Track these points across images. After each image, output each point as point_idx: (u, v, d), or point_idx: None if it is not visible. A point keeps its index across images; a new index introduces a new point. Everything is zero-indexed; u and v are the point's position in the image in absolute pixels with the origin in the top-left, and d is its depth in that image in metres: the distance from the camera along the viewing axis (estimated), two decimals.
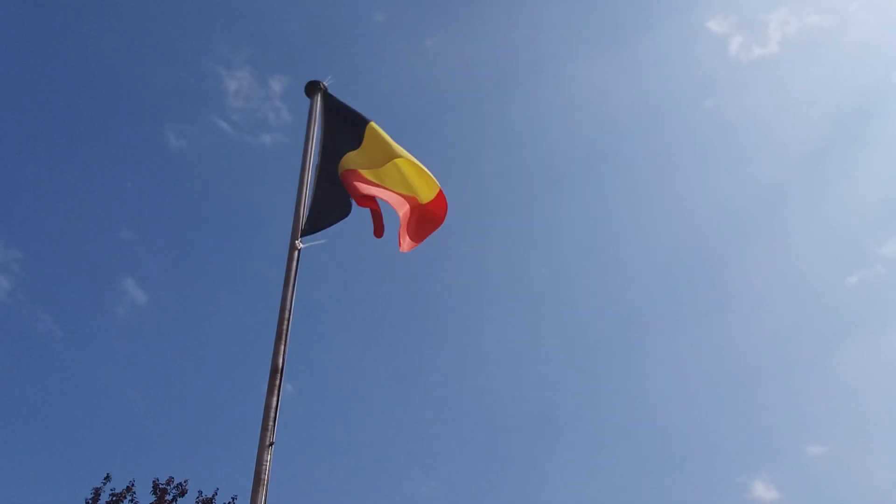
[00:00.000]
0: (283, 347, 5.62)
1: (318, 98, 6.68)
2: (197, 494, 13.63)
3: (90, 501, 13.20)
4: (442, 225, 6.51)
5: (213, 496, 13.63)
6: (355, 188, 6.01)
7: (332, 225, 5.97)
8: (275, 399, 5.38)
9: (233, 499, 13.71)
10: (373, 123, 6.40)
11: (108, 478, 13.40)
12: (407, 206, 6.40)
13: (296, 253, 5.81)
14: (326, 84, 6.76)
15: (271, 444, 5.19)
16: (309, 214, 5.91)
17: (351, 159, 6.18)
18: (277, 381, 5.48)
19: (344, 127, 6.42)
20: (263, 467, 5.07)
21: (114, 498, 13.20)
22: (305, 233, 5.84)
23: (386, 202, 6.32)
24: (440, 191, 6.42)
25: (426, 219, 6.49)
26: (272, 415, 5.32)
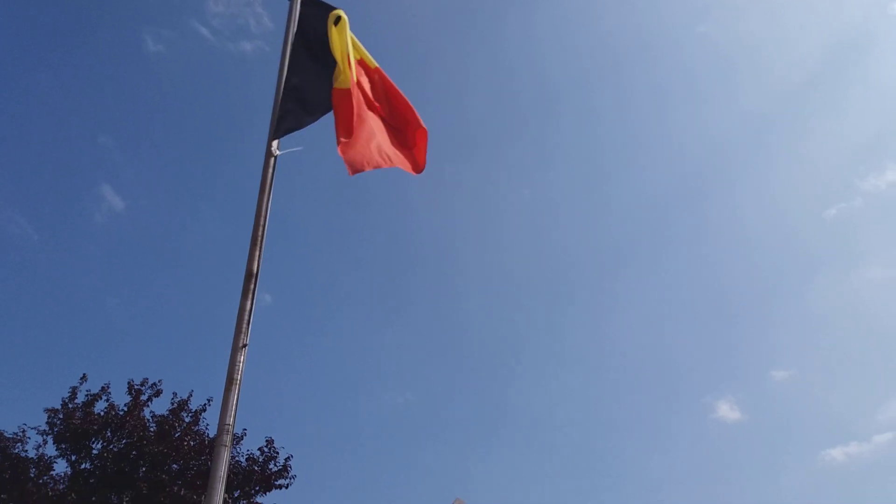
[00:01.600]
0: (257, 253, 5.68)
1: (297, 1, 6.51)
2: (172, 396, 13.90)
3: (67, 400, 13.43)
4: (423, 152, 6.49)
5: (188, 398, 13.91)
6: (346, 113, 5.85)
7: (300, 128, 5.90)
8: (249, 303, 5.48)
9: (208, 401, 14.01)
10: (341, 18, 6.17)
11: (84, 378, 13.62)
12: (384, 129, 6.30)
13: (272, 160, 5.80)
14: None
15: (244, 345, 5.32)
16: (279, 116, 5.86)
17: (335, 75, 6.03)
18: (252, 286, 5.56)
19: (316, 33, 6.25)
20: (236, 367, 5.21)
21: (90, 397, 13.43)
22: (277, 134, 5.81)
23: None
24: (422, 127, 6.41)
25: (403, 144, 6.44)
26: (246, 318, 5.42)
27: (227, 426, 4.92)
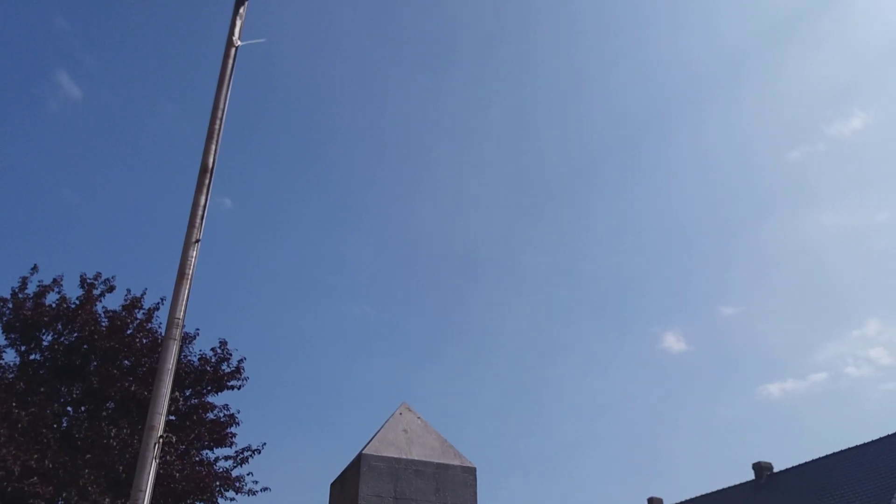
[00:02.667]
0: (214, 147, 5.52)
1: None
2: (125, 293, 13.77)
3: (16, 290, 13.21)
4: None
5: (142, 296, 13.79)
6: None
7: None
8: (203, 197, 5.36)
9: (161, 300, 13.91)
10: None
11: (35, 269, 13.37)
12: None
13: (233, 50, 5.56)
14: None
15: (197, 241, 5.23)
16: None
17: None
18: (207, 181, 5.43)
19: None
20: (188, 262, 5.13)
21: (41, 289, 13.23)
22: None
23: None
24: None
25: None
26: (200, 213, 5.32)
27: (177, 320, 4.88)
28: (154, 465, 4.28)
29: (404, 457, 3.69)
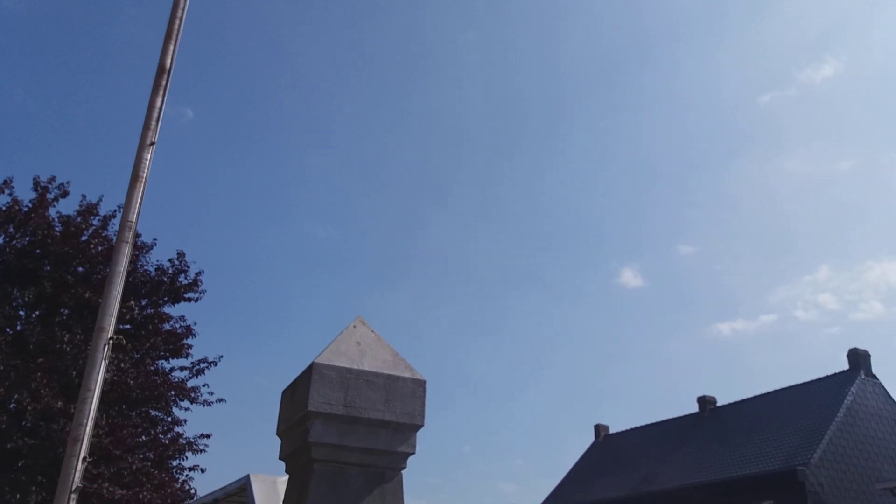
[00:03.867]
0: (172, 48, 5.32)
1: None
2: (81, 198, 13.45)
3: None
4: None
5: (97, 203, 13.49)
6: None
7: None
8: (160, 99, 5.18)
9: (118, 207, 13.62)
10: None
11: None
12: None
13: None
14: None
15: (152, 143, 5.08)
16: None
17: None
18: (164, 82, 5.25)
19: None
20: (143, 165, 4.99)
21: None
22: None
23: None
24: None
25: None
26: (155, 115, 5.15)
27: (129, 223, 4.78)
28: (103, 365, 4.26)
29: (356, 367, 3.73)
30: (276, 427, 4.08)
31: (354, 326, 3.98)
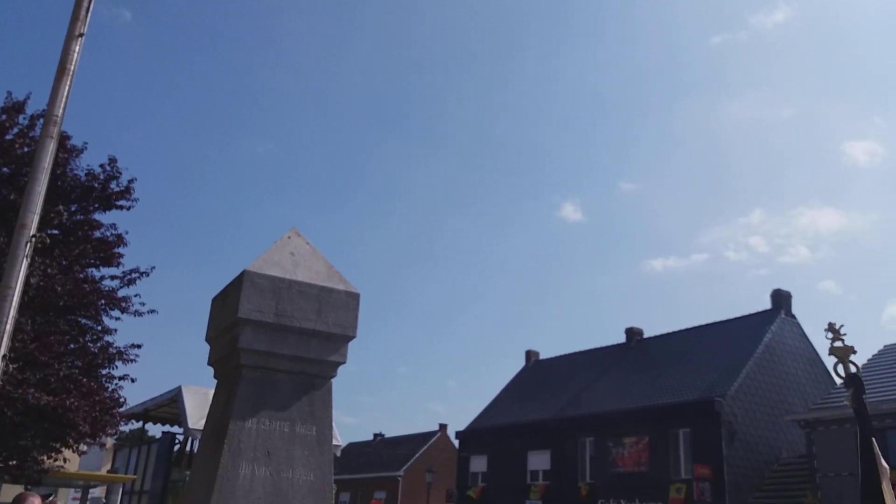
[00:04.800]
0: None
1: None
2: (6, 95, 12.74)
3: None
4: None
5: (25, 100, 12.81)
6: None
7: None
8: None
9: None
10: None
11: None
12: None
13: None
14: None
15: (81, 35, 4.80)
16: None
17: None
18: None
19: None
20: (70, 57, 4.73)
21: None
22: None
23: None
24: None
25: None
26: (85, 4, 4.85)
27: (55, 117, 4.55)
28: (25, 264, 4.11)
29: (288, 277, 3.69)
30: (206, 334, 4.04)
31: (289, 237, 3.92)
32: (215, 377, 3.94)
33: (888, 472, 4.34)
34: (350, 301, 3.81)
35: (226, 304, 3.74)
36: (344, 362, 3.81)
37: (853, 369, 4.70)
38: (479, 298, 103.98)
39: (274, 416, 3.56)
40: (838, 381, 4.75)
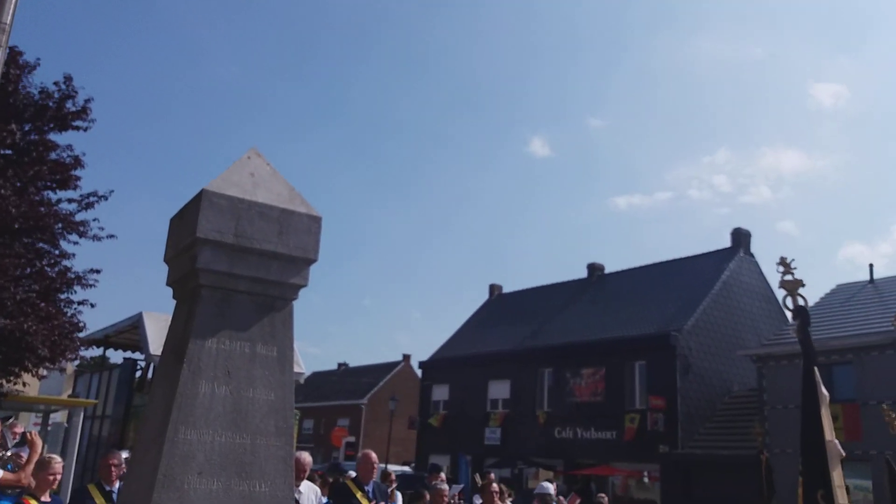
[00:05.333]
0: None
1: None
2: None
3: None
4: None
5: None
6: None
7: None
8: None
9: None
10: None
11: None
12: None
13: None
14: None
15: None
16: None
17: None
18: None
19: None
20: None
21: None
22: None
23: None
24: None
25: None
26: None
27: (3, 25, 4.34)
28: None
29: (248, 198, 3.65)
30: (164, 254, 3.99)
31: (248, 157, 3.84)
32: (174, 297, 3.91)
33: (827, 399, 4.53)
34: (312, 224, 3.78)
35: (183, 224, 3.68)
36: (305, 285, 3.80)
37: (801, 302, 4.85)
38: (445, 232, 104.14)
39: (234, 336, 3.55)
40: (788, 313, 4.92)
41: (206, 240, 3.47)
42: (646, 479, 30.06)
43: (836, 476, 4.21)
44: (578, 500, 11.04)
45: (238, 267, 3.58)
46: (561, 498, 10.81)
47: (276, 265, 3.69)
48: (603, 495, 10.25)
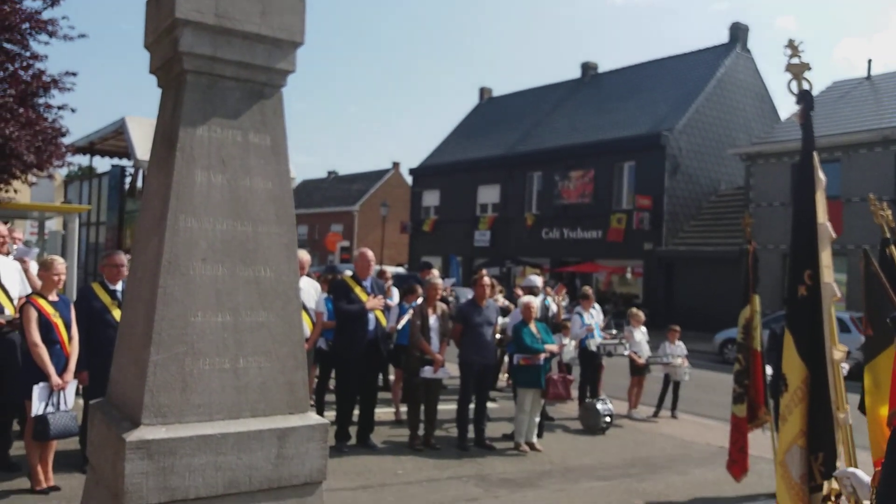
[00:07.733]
0: None
1: None
2: None
3: None
4: None
5: None
6: None
7: None
8: None
9: None
10: None
11: None
12: None
13: None
14: None
15: None
16: None
17: None
18: None
19: None
20: None
21: None
22: None
23: None
24: None
25: None
26: None
27: None
28: None
29: None
30: (143, 40, 3.76)
31: None
32: (159, 86, 3.73)
33: (824, 183, 4.54)
34: (296, 3, 3.54)
35: (161, 4, 3.44)
36: (293, 70, 3.63)
37: (806, 86, 4.73)
38: (435, 32, 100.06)
39: (225, 125, 3.44)
40: (792, 98, 4.80)
41: (187, 20, 3.25)
42: (629, 275, 31.34)
43: (825, 256, 4.32)
44: (564, 290, 11.51)
45: (222, 50, 3.39)
46: (548, 289, 11.25)
47: (262, 49, 3.49)
48: (588, 287, 10.68)
